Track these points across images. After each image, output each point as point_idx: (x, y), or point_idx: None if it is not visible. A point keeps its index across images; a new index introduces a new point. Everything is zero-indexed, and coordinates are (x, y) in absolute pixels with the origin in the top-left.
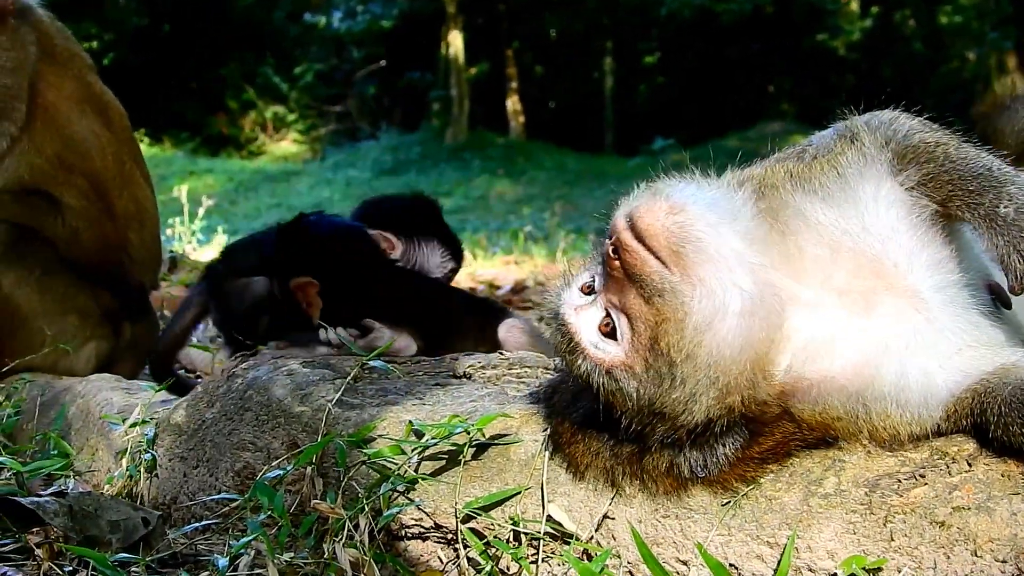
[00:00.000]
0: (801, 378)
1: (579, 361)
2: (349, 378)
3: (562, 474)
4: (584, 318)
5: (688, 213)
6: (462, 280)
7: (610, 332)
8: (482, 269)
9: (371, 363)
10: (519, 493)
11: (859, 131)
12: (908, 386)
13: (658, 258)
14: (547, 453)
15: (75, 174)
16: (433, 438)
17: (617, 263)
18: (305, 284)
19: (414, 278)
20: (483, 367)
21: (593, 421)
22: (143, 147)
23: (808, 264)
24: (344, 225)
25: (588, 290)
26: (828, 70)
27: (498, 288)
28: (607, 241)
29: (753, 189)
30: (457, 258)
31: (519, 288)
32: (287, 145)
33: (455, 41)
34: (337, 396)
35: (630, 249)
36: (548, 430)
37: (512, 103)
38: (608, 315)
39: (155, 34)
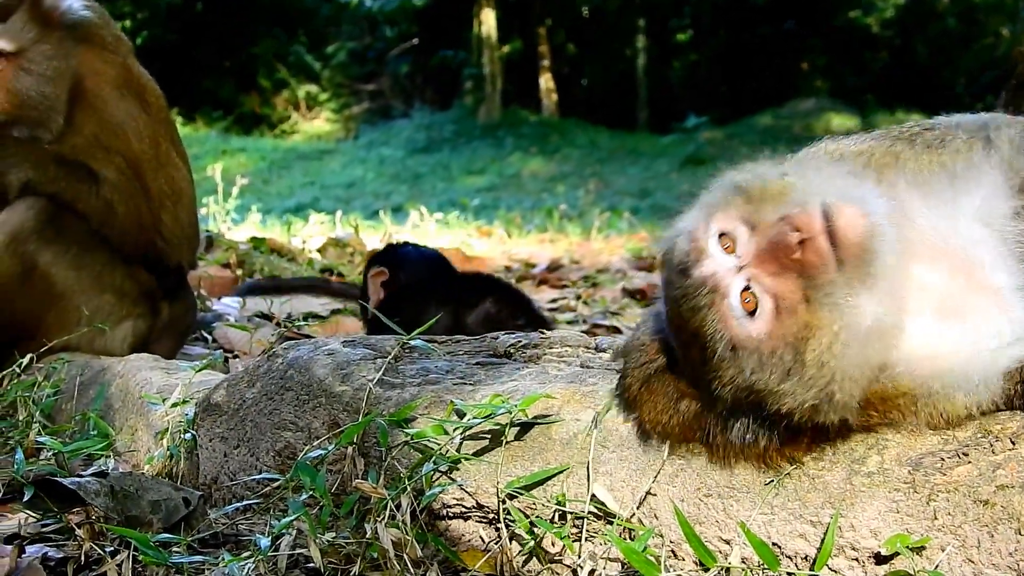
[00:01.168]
0: (894, 375)
1: (708, 318)
2: (390, 357)
3: (605, 453)
4: (732, 281)
5: (881, 231)
6: (497, 258)
7: (750, 307)
8: (517, 247)
9: (412, 342)
10: (562, 472)
11: (999, 143)
12: (977, 376)
13: (841, 269)
14: (594, 432)
15: (112, 153)
16: (475, 418)
17: (797, 255)
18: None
19: None
20: (524, 346)
21: (673, 382)
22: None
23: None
24: None
25: (728, 248)
26: (861, 47)
27: (533, 266)
28: (788, 224)
29: (873, 179)
30: None
31: (554, 266)
32: (320, 124)
33: (488, 19)
34: (378, 376)
35: (820, 252)
36: (619, 386)
37: (545, 81)
38: (749, 290)
39: (188, 13)
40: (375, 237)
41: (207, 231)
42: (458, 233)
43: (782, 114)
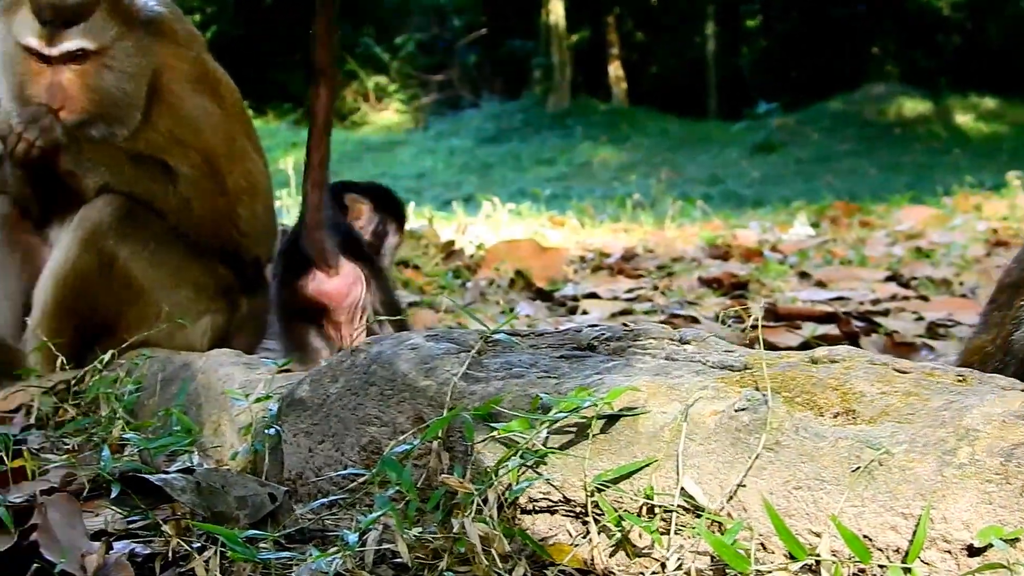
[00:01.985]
0: None
1: None
2: (473, 351)
3: (692, 446)
4: None
5: None
6: (571, 248)
7: None
8: (590, 237)
9: (495, 335)
10: (649, 465)
11: None
12: None
13: None
14: (683, 424)
15: (188, 148)
16: (561, 411)
17: None
18: None
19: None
20: (608, 339)
21: None
22: None
23: None
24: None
25: None
26: (933, 30)
27: (607, 256)
28: None
29: None
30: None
31: (629, 256)
32: (389, 115)
33: (556, 8)
34: (462, 370)
35: None
36: None
37: (614, 69)
38: None
39: (256, 6)
40: (448, 228)
41: (282, 225)
42: (531, 223)
43: (853, 99)
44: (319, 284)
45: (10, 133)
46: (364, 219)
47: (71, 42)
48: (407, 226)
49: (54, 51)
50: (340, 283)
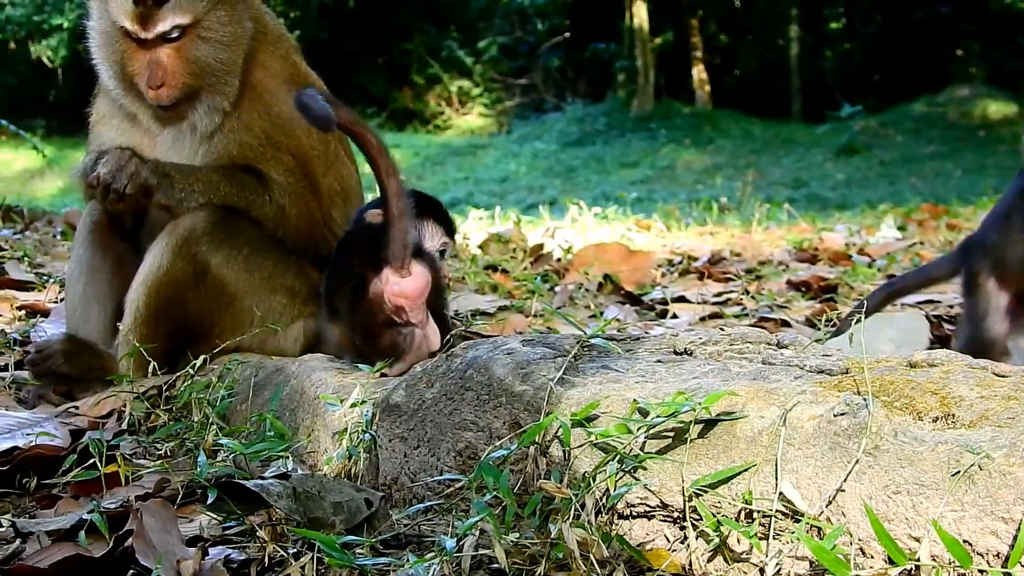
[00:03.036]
0: None
1: None
2: (570, 356)
3: (790, 450)
4: None
5: None
6: (658, 251)
7: None
8: (677, 240)
9: (592, 340)
10: (748, 469)
11: None
12: None
13: None
14: (782, 429)
15: (282, 151)
16: (659, 416)
17: None
18: None
19: None
20: (704, 343)
21: None
22: None
23: None
24: None
25: None
26: (1017, 32)
27: (695, 259)
28: None
29: None
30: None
31: (716, 259)
32: (472, 119)
33: (639, 11)
34: (559, 374)
35: None
36: None
37: (697, 72)
38: None
39: (340, 10)
40: (535, 232)
41: None
42: (617, 227)
43: (937, 101)
44: (397, 285)
45: (97, 185)
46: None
47: (165, 22)
48: (456, 236)
49: (149, 34)
50: (414, 283)
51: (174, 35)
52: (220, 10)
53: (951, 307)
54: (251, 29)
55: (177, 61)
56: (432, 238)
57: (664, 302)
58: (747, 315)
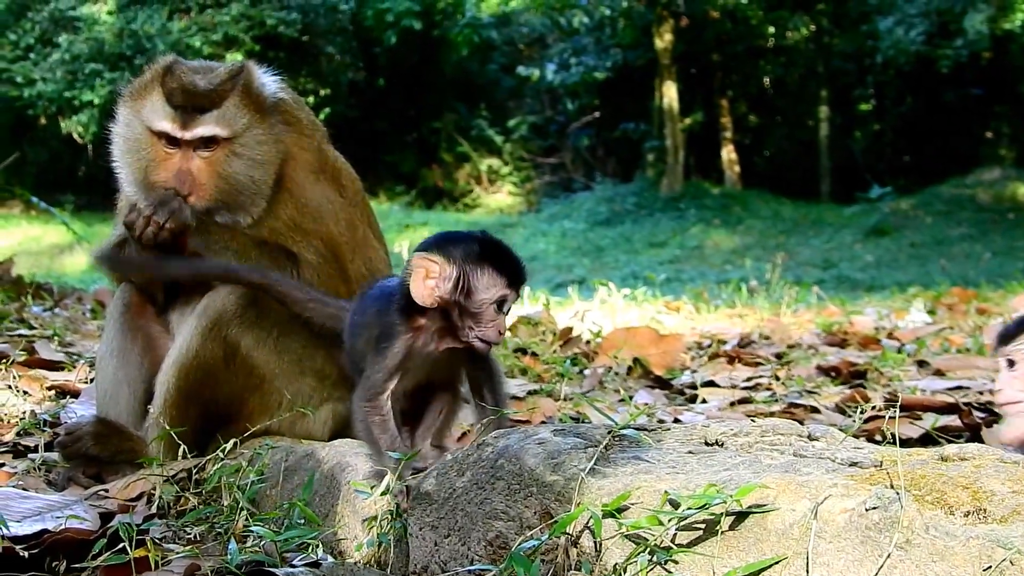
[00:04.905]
0: None
1: None
2: (601, 447)
3: (822, 543)
4: None
5: None
6: (687, 333)
7: None
8: (706, 323)
9: (622, 431)
10: (779, 563)
11: None
12: None
13: None
14: (812, 522)
15: (311, 237)
16: (690, 508)
17: None
18: None
19: None
20: (735, 434)
21: None
22: None
23: None
24: None
25: None
26: None
27: (724, 342)
28: None
29: None
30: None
31: (745, 342)
32: (502, 197)
33: (669, 91)
34: (590, 465)
35: None
36: None
37: (727, 152)
38: None
39: (370, 88)
40: (564, 313)
41: None
42: (646, 308)
43: (967, 183)
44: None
45: (138, 217)
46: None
47: (204, 128)
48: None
49: (187, 134)
50: None
51: (210, 141)
52: (258, 128)
53: (980, 393)
54: (284, 145)
55: (208, 173)
56: (488, 289)
57: (693, 386)
58: (776, 400)
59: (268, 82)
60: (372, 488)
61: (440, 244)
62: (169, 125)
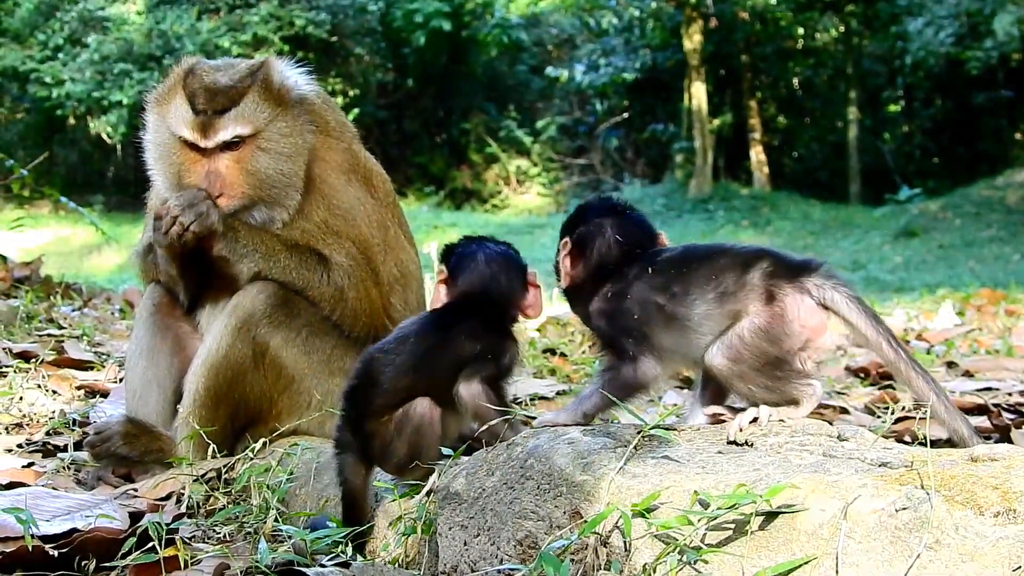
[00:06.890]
0: None
1: None
2: (631, 447)
3: (851, 543)
4: None
5: None
6: None
7: None
8: None
9: (652, 431)
10: (808, 563)
11: None
12: None
13: None
14: (842, 522)
15: (342, 239)
16: (719, 508)
17: None
18: None
19: None
20: (765, 435)
21: None
22: None
23: None
24: None
25: None
26: None
27: None
28: None
29: None
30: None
31: None
32: (530, 198)
33: (698, 93)
34: (620, 465)
35: None
36: None
37: (756, 154)
38: None
39: (399, 89)
40: None
41: None
42: None
43: (997, 185)
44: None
45: (166, 214)
46: None
47: (225, 131)
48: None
49: (209, 143)
50: None
51: (234, 144)
52: (281, 121)
53: (1009, 395)
54: (312, 136)
55: (236, 171)
56: None
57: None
58: None
59: (291, 76)
60: (396, 488)
61: None
62: (191, 133)
